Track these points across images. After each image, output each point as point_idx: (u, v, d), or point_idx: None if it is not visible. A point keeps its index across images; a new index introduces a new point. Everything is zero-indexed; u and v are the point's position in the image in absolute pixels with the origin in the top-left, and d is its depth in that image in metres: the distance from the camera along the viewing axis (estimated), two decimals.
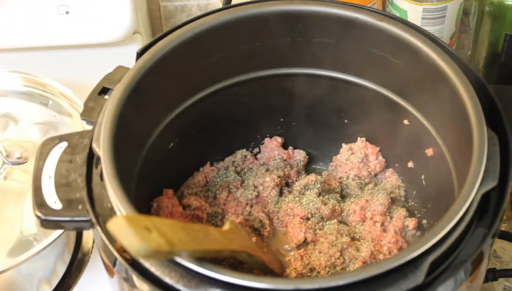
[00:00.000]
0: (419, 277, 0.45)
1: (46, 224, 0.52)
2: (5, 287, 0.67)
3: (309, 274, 0.61)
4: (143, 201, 0.62)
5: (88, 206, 0.51)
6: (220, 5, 0.83)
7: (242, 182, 0.70)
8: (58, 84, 0.79)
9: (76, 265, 0.73)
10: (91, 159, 0.55)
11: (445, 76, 0.56)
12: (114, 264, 0.49)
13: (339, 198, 0.68)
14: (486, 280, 0.61)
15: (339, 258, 0.61)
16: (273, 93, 0.69)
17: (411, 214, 0.67)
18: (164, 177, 0.66)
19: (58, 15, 0.84)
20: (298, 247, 0.64)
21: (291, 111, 0.71)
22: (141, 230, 0.42)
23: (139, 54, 0.60)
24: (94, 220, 0.50)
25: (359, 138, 0.70)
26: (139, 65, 0.58)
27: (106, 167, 0.51)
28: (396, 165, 0.70)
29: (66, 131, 0.68)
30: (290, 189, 0.69)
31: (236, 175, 0.70)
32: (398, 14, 0.82)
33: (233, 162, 0.71)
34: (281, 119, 0.72)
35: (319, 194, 0.67)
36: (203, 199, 0.67)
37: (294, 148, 0.73)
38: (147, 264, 0.47)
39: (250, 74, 0.67)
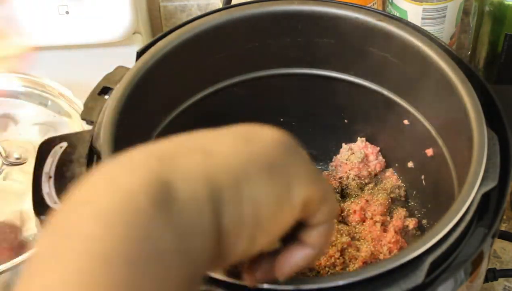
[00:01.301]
0: (419, 277, 0.45)
1: None
2: (5, 287, 0.67)
3: (309, 274, 0.60)
4: None
5: None
6: (220, 5, 0.83)
7: None
8: (57, 84, 0.79)
9: None
10: (91, 158, 0.55)
11: (445, 76, 0.56)
12: None
13: (339, 198, 0.68)
14: (486, 280, 0.60)
15: (339, 258, 0.61)
16: (273, 93, 0.69)
17: (411, 214, 0.67)
18: None
19: (58, 15, 0.84)
20: None
21: (291, 111, 0.71)
22: None
23: (139, 54, 0.60)
24: None
25: (359, 138, 0.70)
26: (139, 65, 0.58)
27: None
28: (396, 165, 0.70)
29: (66, 132, 0.68)
30: None
31: None
32: (398, 14, 0.82)
33: None
34: (281, 119, 0.72)
35: None
36: None
37: None
38: None
39: (250, 74, 0.67)
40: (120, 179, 0.31)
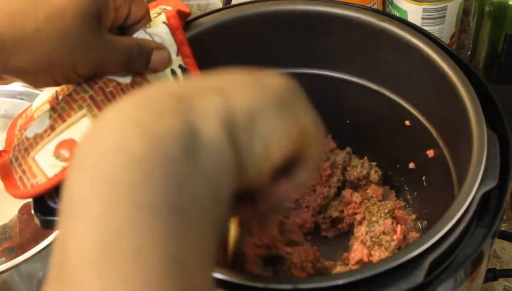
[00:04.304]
0: (419, 277, 0.45)
1: (46, 224, 0.52)
2: (5, 287, 0.67)
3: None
4: None
5: None
6: (220, 5, 0.83)
7: None
8: None
9: None
10: None
11: (445, 76, 0.56)
12: None
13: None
14: (486, 280, 0.60)
15: None
16: None
17: (411, 214, 0.67)
18: None
19: None
20: None
21: None
22: None
23: None
24: None
25: None
26: None
27: None
28: (398, 165, 0.70)
29: None
30: None
31: None
32: (398, 14, 0.82)
33: None
34: None
35: None
36: None
37: None
38: None
39: None
40: (148, 123, 0.31)
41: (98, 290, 0.27)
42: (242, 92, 0.36)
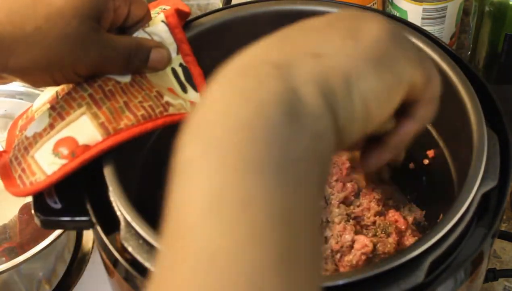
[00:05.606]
0: (419, 277, 0.45)
1: (46, 224, 0.52)
2: (5, 287, 0.67)
3: None
4: (147, 195, 0.61)
5: (88, 206, 0.51)
6: (220, 5, 0.83)
7: None
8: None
9: (76, 265, 0.73)
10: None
11: (445, 76, 0.56)
12: (114, 264, 0.49)
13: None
14: (486, 280, 0.60)
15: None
16: None
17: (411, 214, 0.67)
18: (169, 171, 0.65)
19: None
20: None
21: None
22: None
23: None
24: (94, 220, 0.50)
25: None
26: None
27: (106, 164, 0.51)
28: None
29: None
30: None
31: None
32: (398, 14, 0.82)
33: None
34: None
35: None
36: None
37: None
38: (147, 264, 0.47)
39: None
40: (251, 91, 0.33)
41: (207, 241, 0.29)
42: (337, 51, 0.36)
